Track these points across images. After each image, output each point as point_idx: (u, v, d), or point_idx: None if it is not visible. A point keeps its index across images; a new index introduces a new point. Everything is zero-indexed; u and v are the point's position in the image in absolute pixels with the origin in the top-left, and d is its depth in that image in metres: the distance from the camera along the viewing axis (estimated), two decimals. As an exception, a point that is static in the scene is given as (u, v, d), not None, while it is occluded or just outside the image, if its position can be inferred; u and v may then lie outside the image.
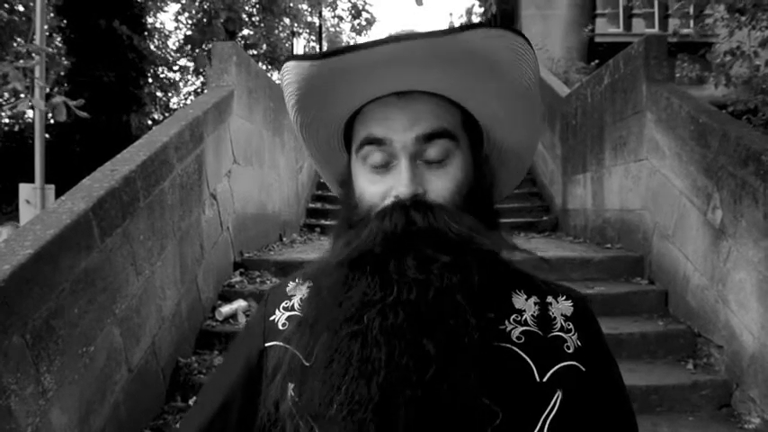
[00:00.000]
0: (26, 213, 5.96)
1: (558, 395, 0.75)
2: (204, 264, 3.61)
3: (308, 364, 0.74)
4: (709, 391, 3.09)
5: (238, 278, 4.08)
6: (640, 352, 3.40)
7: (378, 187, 0.76)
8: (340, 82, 0.75)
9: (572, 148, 5.86)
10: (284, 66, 0.77)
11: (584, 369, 0.77)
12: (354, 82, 0.75)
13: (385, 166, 0.76)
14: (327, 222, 6.46)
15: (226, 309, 3.61)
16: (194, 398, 3.01)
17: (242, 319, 3.59)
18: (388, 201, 0.75)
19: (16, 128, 14.20)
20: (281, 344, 0.80)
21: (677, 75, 7.09)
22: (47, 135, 11.11)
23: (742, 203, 2.98)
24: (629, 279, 4.12)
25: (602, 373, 0.81)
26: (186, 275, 3.32)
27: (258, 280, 4.09)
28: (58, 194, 4.35)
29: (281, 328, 0.83)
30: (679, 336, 3.47)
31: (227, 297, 3.82)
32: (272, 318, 0.85)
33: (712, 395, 3.09)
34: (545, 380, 0.75)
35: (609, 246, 4.73)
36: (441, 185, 0.75)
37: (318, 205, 7.20)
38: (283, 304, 0.86)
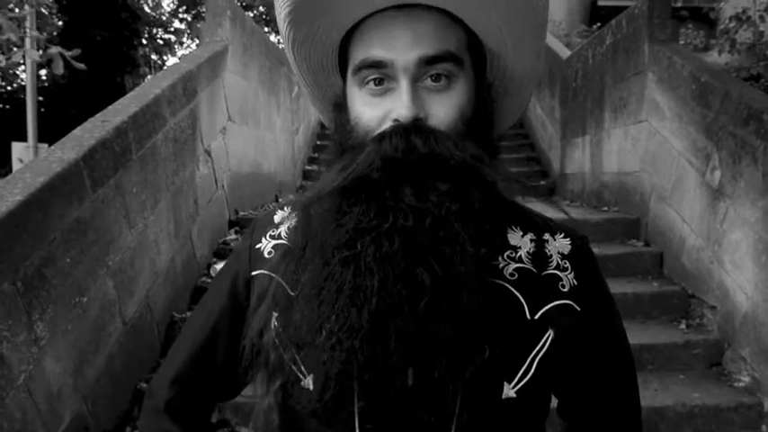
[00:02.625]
0: (19, 172, 5.92)
1: (550, 334, 0.73)
2: (199, 220, 3.59)
3: (293, 293, 0.72)
4: (701, 350, 3.12)
5: (233, 236, 4.07)
6: (634, 312, 3.42)
7: (376, 111, 0.72)
8: None
9: (571, 112, 5.80)
10: None
11: (578, 308, 0.76)
12: None
13: (384, 89, 0.72)
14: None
15: (220, 266, 3.60)
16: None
17: (237, 277, 3.59)
18: (387, 124, 0.71)
19: (9, 88, 13.99)
20: (267, 272, 0.78)
21: (681, 42, 6.98)
22: (40, 98, 10.98)
23: (741, 163, 2.96)
24: (624, 241, 4.12)
25: (599, 313, 0.79)
26: (180, 231, 3.30)
27: (253, 238, 4.08)
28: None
29: (266, 256, 0.81)
30: (673, 296, 3.49)
31: (222, 255, 3.82)
32: (257, 246, 0.83)
33: (704, 354, 3.12)
34: (536, 317, 0.73)
35: (606, 209, 4.72)
36: (443, 110, 0.72)
37: (315, 167, 7.15)
38: (270, 232, 0.84)
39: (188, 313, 3.28)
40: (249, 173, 4.77)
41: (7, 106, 13.22)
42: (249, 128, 4.77)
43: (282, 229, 0.83)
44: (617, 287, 3.49)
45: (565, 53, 6.32)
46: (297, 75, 0.87)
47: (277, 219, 0.85)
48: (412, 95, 0.70)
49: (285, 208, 0.86)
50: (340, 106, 0.80)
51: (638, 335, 3.17)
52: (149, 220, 2.89)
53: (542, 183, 6.48)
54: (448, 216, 0.67)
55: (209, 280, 3.56)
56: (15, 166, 6.03)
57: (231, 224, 4.23)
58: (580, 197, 5.49)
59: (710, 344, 3.13)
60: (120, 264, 2.60)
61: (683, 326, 3.32)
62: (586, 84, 5.34)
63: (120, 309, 2.60)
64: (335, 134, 0.80)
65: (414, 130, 0.69)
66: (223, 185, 4.12)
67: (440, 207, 0.67)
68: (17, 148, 5.93)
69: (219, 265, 3.61)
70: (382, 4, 0.72)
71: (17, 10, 4.09)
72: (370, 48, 0.72)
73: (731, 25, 6.03)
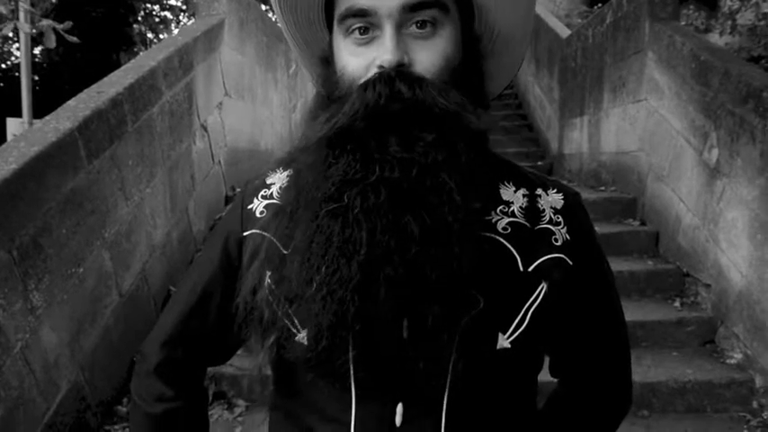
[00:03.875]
0: (14, 148, 5.87)
1: (543, 286, 0.74)
2: (195, 195, 3.58)
3: (285, 251, 0.72)
4: (695, 327, 3.15)
5: (230, 212, 4.06)
6: (629, 290, 3.44)
7: (361, 59, 0.71)
8: None
9: (570, 92, 5.77)
10: None
11: (571, 262, 0.76)
12: None
13: (369, 38, 0.71)
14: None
15: (217, 241, 3.60)
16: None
17: (233, 252, 3.59)
18: (372, 72, 0.70)
19: (3, 66, 13.85)
20: (259, 231, 0.78)
21: (682, 23, 6.94)
22: (35, 76, 10.87)
23: (739, 141, 2.95)
24: (621, 220, 4.12)
25: (591, 267, 0.80)
26: (177, 205, 3.29)
27: (250, 215, 4.08)
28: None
29: (258, 216, 0.81)
30: (668, 275, 3.50)
31: (218, 230, 3.81)
32: (249, 206, 0.83)
33: (697, 332, 3.15)
34: (530, 270, 0.74)
35: (603, 188, 4.72)
36: (428, 57, 0.70)
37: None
38: (262, 192, 0.83)
39: (184, 288, 3.28)
40: (246, 149, 4.75)
41: (1, 84, 13.09)
42: (246, 103, 4.74)
43: (274, 189, 0.82)
44: (613, 265, 3.42)
45: (565, 33, 6.27)
46: (285, 32, 0.85)
47: (269, 180, 0.85)
48: (396, 41, 0.69)
49: (278, 169, 0.85)
50: (326, 60, 0.79)
51: (632, 312, 3.19)
52: (145, 194, 2.88)
53: (540, 163, 6.47)
54: (434, 165, 0.66)
55: (205, 255, 3.57)
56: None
57: (228, 200, 4.22)
58: (578, 177, 5.49)
59: (704, 321, 3.15)
60: (117, 236, 2.60)
61: (677, 304, 3.34)
62: (586, 63, 5.31)
63: (116, 281, 2.60)
64: (322, 88, 0.79)
65: (398, 76, 0.68)
66: (219, 161, 4.10)
67: (425, 156, 0.66)
68: (12, 124, 5.87)
69: (216, 241, 3.61)
70: None
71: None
72: None
73: (734, 6, 5.99)
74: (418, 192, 0.65)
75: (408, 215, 0.65)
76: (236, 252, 0.82)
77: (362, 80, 0.71)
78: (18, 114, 7.04)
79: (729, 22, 6.08)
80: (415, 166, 0.66)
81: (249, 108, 4.84)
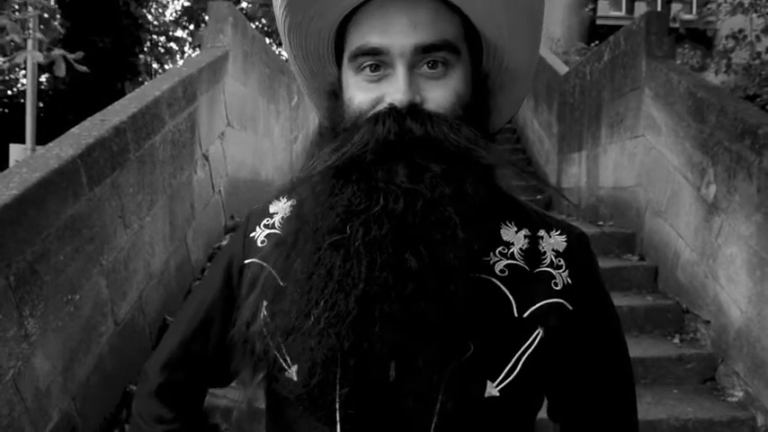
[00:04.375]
0: (16, 174, 5.91)
1: (539, 333, 0.72)
2: (195, 224, 3.59)
3: (283, 284, 0.72)
4: (695, 364, 3.12)
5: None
6: (628, 326, 3.41)
7: (369, 94, 0.72)
8: None
9: (569, 127, 5.84)
10: None
11: (571, 308, 0.74)
12: None
13: (380, 75, 0.72)
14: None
15: (215, 270, 3.58)
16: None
17: (231, 282, 3.57)
18: (382, 106, 0.70)
19: (9, 93, 14.02)
20: (258, 261, 0.78)
21: (678, 61, 7.08)
22: (40, 103, 11.00)
23: (736, 178, 2.97)
24: (620, 255, 4.12)
25: (593, 313, 0.77)
26: (176, 234, 3.29)
27: (249, 244, 4.07)
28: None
29: (259, 245, 0.81)
30: (667, 311, 3.49)
31: (216, 259, 3.81)
32: (252, 234, 0.83)
33: (697, 368, 3.11)
34: (525, 316, 0.72)
35: (601, 223, 4.73)
36: (440, 95, 0.71)
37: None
38: (264, 221, 0.84)
39: (181, 317, 3.26)
40: (246, 179, 4.77)
41: (6, 110, 13.24)
42: (248, 134, 4.78)
43: (277, 219, 0.83)
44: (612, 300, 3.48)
45: (563, 69, 6.37)
46: (292, 64, 0.86)
47: (272, 208, 0.85)
48: (408, 81, 0.70)
49: (281, 198, 0.85)
50: (335, 94, 0.79)
51: (631, 348, 3.07)
52: (145, 222, 2.88)
53: (538, 197, 6.49)
54: (441, 199, 0.66)
55: (203, 284, 3.55)
56: (12, 168, 6.04)
57: (227, 229, 4.22)
58: (576, 211, 5.50)
59: (704, 358, 3.13)
60: (114, 263, 2.59)
61: (676, 340, 3.32)
62: (584, 99, 5.38)
63: (112, 309, 2.59)
64: (328, 120, 0.80)
65: (409, 113, 0.68)
66: (220, 190, 4.12)
67: (432, 189, 0.66)
68: (15, 150, 5.93)
69: (214, 270, 3.59)
70: None
71: (18, 13, 4.12)
72: (367, 34, 0.72)
73: (729, 45, 6.10)
74: (422, 225, 0.65)
75: (409, 250, 0.64)
76: (237, 279, 0.82)
77: (372, 113, 0.71)
78: (22, 141, 7.11)
79: (724, 61, 6.18)
80: (420, 199, 0.65)
81: (251, 139, 4.88)
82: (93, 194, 2.39)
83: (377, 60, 0.71)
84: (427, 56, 0.71)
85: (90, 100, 10.84)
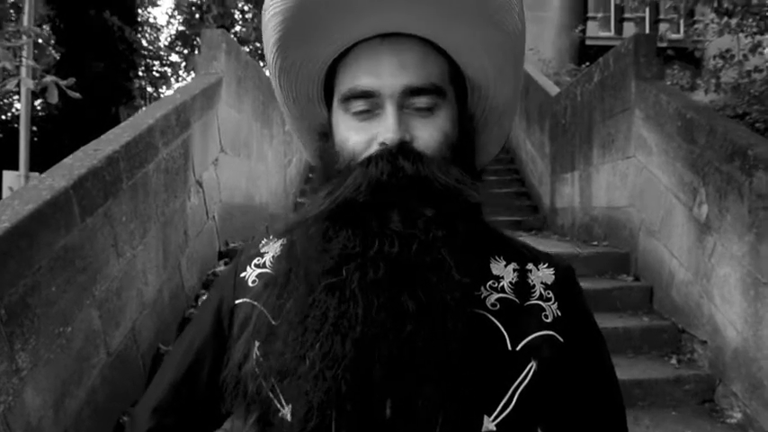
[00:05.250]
0: (9, 201, 5.88)
1: (533, 365, 0.72)
2: (188, 251, 3.57)
3: (275, 323, 0.72)
4: (693, 385, 3.10)
5: (223, 267, 4.04)
6: (624, 347, 3.40)
7: (362, 135, 0.73)
8: (325, 16, 0.71)
9: (561, 148, 5.88)
10: None
11: (561, 340, 0.75)
12: (340, 17, 0.71)
13: (370, 115, 0.73)
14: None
15: (209, 297, 3.56)
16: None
17: (225, 308, 3.55)
18: (374, 148, 0.72)
19: (3, 118, 14.04)
20: (249, 301, 0.78)
21: (668, 82, 7.16)
22: (34, 127, 11.02)
23: (727, 198, 2.99)
24: (614, 275, 4.12)
25: (583, 344, 0.78)
26: (169, 262, 3.27)
27: (243, 270, 4.05)
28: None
29: (250, 285, 0.81)
30: (663, 331, 3.48)
31: (210, 286, 3.78)
32: (242, 274, 0.83)
33: (695, 390, 3.10)
34: (518, 349, 0.73)
35: (595, 243, 4.73)
36: (428, 134, 0.72)
37: (306, 200, 7.14)
38: (255, 261, 0.84)
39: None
40: (240, 204, 4.77)
41: (0, 135, 13.23)
42: (241, 159, 4.79)
43: (267, 258, 0.83)
44: (607, 322, 3.48)
45: (554, 90, 6.44)
46: (281, 105, 0.87)
47: (263, 248, 0.85)
48: (398, 120, 0.71)
49: (272, 238, 0.86)
50: (326, 135, 0.81)
51: (628, 370, 3.15)
52: (138, 250, 2.87)
53: (532, 218, 6.51)
54: (434, 242, 0.67)
55: (196, 312, 3.52)
56: (6, 194, 6.00)
57: (221, 255, 4.21)
58: (570, 231, 5.52)
59: (702, 379, 3.11)
60: (107, 293, 2.57)
61: (673, 361, 3.31)
62: (575, 120, 5.43)
63: (104, 339, 2.56)
64: (321, 162, 0.81)
65: (400, 152, 0.70)
66: (214, 216, 4.11)
67: (426, 233, 0.67)
68: (8, 177, 5.91)
69: (208, 296, 3.56)
70: (368, 33, 0.74)
71: (12, 40, 4.13)
72: (357, 77, 0.74)
73: (718, 65, 6.18)
74: (417, 268, 0.66)
75: (406, 292, 0.65)
76: (228, 320, 0.82)
77: (364, 155, 0.72)
78: (15, 166, 7.10)
79: (713, 81, 6.26)
80: (415, 242, 0.66)
81: (245, 164, 4.89)
82: (86, 225, 2.38)
83: (368, 103, 0.73)
84: (415, 97, 0.73)
85: (84, 124, 10.88)
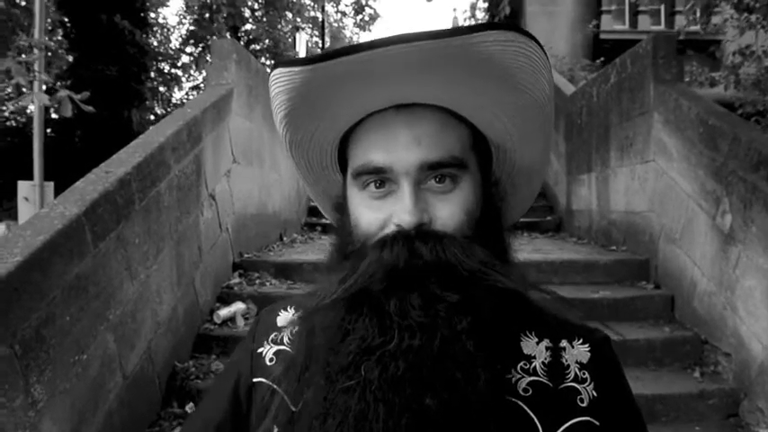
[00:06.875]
0: (24, 211, 5.92)
1: None
2: (202, 266, 3.55)
3: (294, 409, 0.69)
4: (717, 400, 3.03)
5: (237, 280, 4.02)
6: (646, 359, 3.33)
7: (377, 213, 0.69)
8: (334, 91, 0.66)
9: (577, 148, 5.79)
10: (272, 74, 0.69)
11: (597, 423, 0.70)
12: (350, 91, 0.66)
13: (385, 192, 0.69)
14: (329, 221, 6.41)
15: (224, 311, 3.55)
16: (191, 404, 2.96)
17: (240, 322, 3.53)
18: (390, 228, 0.67)
19: (17, 123, 14.17)
20: (268, 383, 0.75)
21: (687, 79, 7.01)
22: (48, 130, 11.10)
23: (752, 209, 2.91)
24: (634, 283, 4.04)
25: (621, 425, 0.73)
26: (183, 279, 3.26)
27: (257, 281, 4.03)
28: (58, 192, 4.29)
29: (268, 363, 0.78)
30: (686, 342, 3.40)
31: (225, 299, 3.77)
32: (259, 350, 0.80)
33: (720, 404, 3.02)
34: None
35: (614, 248, 4.66)
36: (448, 212, 0.68)
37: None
38: (272, 336, 0.80)
39: (190, 362, 3.22)
40: (254, 214, 4.75)
41: (16, 140, 13.36)
42: (254, 169, 4.77)
43: (285, 334, 0.80)
44: (628, 332, 3.41)
45: (569, 88, 6.34)
46: (296, 171, 0.84)
47: (280, 322, 0.82)
48: (414, 199, 0.66)
49: (288, 308, 0.82)
50: (341, 207, 0.77)
51: (650, 384, 3.09)
52: (152, 270, 2.85)
53: (548, 218, 6.44)
54: (459, 333, 0.62)
55: (212, 327, 3.51)
56: (20, 204, 6.04)
57: (235, 267, 4.19)
58: (588, 234, 5.44)
59: (726, 393, 3.04)
60: (121, 317, 2.56)
61: (696, 374, 3.23)
62: (591, 121, 5.34)
63: (120, 363, 2.55)
64: (336, 236, 0.77)
65: (418, 236, 0.65)
66: (227, 228, 4.09)
67: (449, 323, 0.62)
68: (23, 187, 5.94)
69: (223, 311, 3.55)
70: (379, 105, 0.69)
71: (23, 56, 4.14)
72: (369, 151, 0.69)
73: (736, 60, 6.04)
74: (440, 363, 0.61)
75: (429, 393, 0.60)
76: (246, 397, 0.79)
77: (378, 236, 0.68)
78: (30, 173, 7.15)
79: (733, 77, 6.11)
80: (437, 334, 0.62)
81: (257, 173, 4.87)
82: (98, 251, 2.36)
83: (381, 178, 0.69)
84: (433, 172, 0.68)
85: (97, 128, 10.93)
